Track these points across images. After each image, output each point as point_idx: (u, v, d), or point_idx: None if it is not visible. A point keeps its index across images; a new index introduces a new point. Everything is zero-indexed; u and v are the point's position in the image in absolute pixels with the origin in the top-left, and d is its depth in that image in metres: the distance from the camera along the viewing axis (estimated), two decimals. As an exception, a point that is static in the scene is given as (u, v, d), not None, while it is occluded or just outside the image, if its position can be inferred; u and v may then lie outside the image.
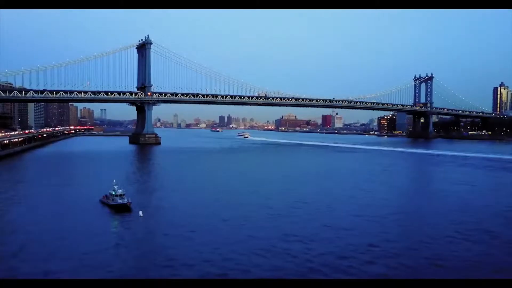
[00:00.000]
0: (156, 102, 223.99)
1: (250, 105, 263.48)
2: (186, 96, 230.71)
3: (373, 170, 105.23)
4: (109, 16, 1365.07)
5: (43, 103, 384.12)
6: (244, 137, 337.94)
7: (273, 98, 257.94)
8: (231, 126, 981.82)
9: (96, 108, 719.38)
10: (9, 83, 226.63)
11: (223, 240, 40.64)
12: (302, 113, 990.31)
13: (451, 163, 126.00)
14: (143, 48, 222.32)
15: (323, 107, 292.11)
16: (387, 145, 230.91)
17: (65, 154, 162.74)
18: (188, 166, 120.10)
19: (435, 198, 66.22)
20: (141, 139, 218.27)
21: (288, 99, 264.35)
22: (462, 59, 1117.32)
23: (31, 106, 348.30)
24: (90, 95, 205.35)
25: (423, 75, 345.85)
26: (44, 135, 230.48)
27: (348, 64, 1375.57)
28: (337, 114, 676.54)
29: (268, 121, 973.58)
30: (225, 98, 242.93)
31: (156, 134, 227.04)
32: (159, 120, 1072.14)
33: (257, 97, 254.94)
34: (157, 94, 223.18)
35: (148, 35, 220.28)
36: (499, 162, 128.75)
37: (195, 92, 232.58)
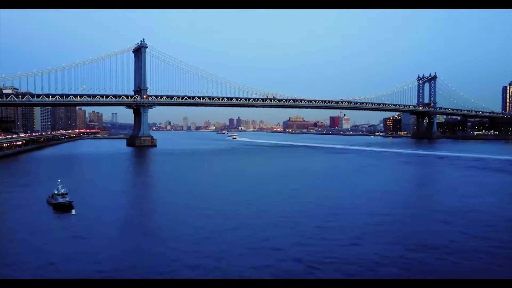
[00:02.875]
0: (151, 104, 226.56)
1: (247, 106, 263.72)
2: (182, 99, 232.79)
3: (344, 169, 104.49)
4: (106, 19, 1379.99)
5: (50, 107, 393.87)
6: (233, 138, 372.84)
7: (271, 100, 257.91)
8: (240, 128, 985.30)
9: (108, 112, 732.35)
10: (14, 88, 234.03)
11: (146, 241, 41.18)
12: (310, 115, 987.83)
13: (435, 164, 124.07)
14: (139, 51, 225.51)
15: (320, 108, 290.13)
16: (383, 146, 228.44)
17: (57, 156, 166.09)
18: (168, 166, 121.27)
19: (374, 197, 65.18)
20: (137, 141, 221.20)
21: (286, 101, 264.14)
22: (471, 58, 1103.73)
23: (37, 110, 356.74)
24: (86, 98, 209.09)
25: (431, 75, 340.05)
26: (44, 138, 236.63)
27: (351, 66, 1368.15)
28: (344, 115, 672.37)
29: (278, 123, 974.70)
30: (221, 100, 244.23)
31: (151, 137, 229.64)
32: (169, 123, 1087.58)
33: (254, 99, 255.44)
34: (152, 97, 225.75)
35: (143, 39, 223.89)
36: (485, 161, 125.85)
37: (191, 94, 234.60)
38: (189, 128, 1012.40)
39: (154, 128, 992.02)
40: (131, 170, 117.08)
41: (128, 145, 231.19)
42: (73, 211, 51.73)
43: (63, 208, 53.99)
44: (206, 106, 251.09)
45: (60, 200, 55.49)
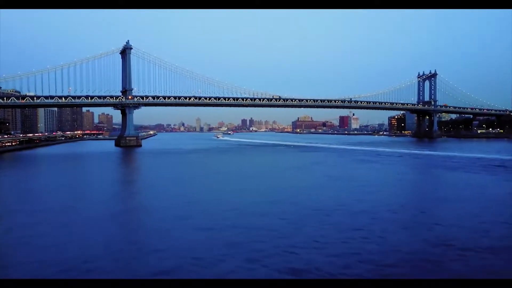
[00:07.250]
0: (137, 105, 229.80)
1: (237, 106, 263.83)
2: (168, 99, 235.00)
3: (285, 167, 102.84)
4: (98, 20, 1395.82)
5: (56, 109, 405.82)
6: (217, 137, 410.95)
7: (261, 100, 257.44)
8: (251, 129, 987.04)
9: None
10: (16, 91, 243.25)
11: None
12: (319, 115, 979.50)
13: (385, 161, 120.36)
14: (125, 53, 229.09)
15: (313, 107, 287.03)
16: (371, 145, 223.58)
17: (36, 155, 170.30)
18: (134, 163, 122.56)
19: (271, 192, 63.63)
20: (122, 141, 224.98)
21: (277, 100, 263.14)
22: (478, 57, 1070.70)
23: (41, 112, 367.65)
24: (71, 100, 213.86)
25: (431, 72, 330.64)
26: (39, 139, 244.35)
27: (351, 65, 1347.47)
28: (353, 114, 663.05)
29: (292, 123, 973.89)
30: (209, 100, 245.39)
31: (137, 137, 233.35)
32: (183, 124, 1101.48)
33: (243, 99, 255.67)
34: (138, 97, 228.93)
35: (128, 40, 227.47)
36: (446, 159, 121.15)
37: (177, 94, 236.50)
38: (201, 129, 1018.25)
39: (168, 129, 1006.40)
40: (90, 167, 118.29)
41: (116, 145, 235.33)
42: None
43: None
44: (195, 106, 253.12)
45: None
